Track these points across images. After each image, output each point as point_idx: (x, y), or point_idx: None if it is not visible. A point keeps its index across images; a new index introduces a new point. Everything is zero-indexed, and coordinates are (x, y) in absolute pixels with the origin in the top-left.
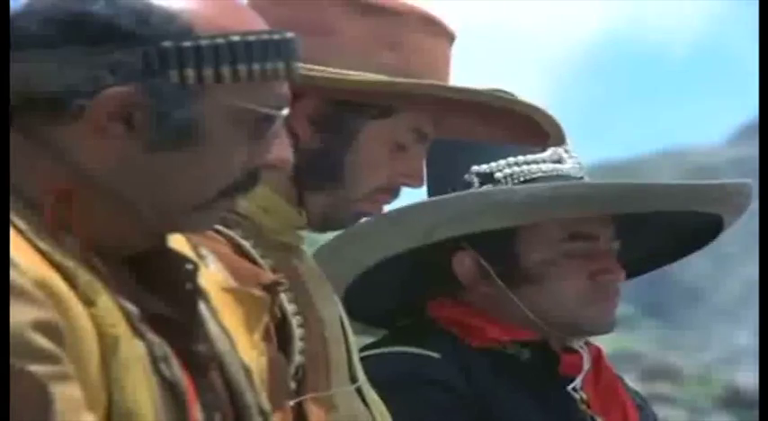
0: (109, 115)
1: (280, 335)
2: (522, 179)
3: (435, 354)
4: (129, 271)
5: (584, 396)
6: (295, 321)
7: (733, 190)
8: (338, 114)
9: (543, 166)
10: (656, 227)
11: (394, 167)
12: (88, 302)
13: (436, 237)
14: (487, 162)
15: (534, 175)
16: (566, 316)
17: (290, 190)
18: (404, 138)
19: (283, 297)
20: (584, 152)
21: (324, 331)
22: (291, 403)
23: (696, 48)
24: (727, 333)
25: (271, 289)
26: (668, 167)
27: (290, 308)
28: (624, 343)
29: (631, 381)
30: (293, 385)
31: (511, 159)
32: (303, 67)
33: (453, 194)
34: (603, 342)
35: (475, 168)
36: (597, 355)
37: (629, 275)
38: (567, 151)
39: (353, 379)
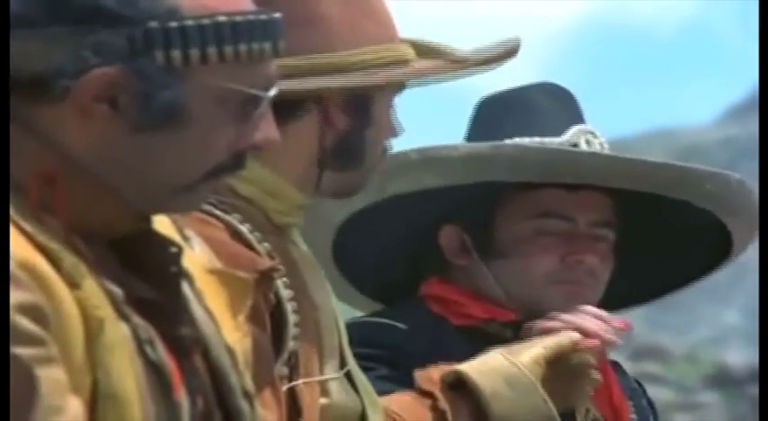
0: (93, 96)
1: (274, 321)
2: None
3: (402, 326)
4: (114, 254)
5: None
6: (290, 307)
7: (692, 173)
8: (363, 97)
9: None
10: (673, 245)
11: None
12: (73, 285)
13: (388, 192)
14: (497, 140)
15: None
16: (529, 293)
17: (310, 172)
18: (393, 97)
19: (279, 283)
20: None
21: (318, 317)
22: (284, 388)
23: (683, 28)
24: (714, 313)
25: (267, 274)
26: (657, 147)
27: (285, 293)
28: None
29: (621, 361)
30: (286, 371)
31: (517, 139)
32: (321, 58)
33: (402, 149)
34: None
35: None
36: None
37: (643, 300)
38: (589, 142)
39: (343, 364)
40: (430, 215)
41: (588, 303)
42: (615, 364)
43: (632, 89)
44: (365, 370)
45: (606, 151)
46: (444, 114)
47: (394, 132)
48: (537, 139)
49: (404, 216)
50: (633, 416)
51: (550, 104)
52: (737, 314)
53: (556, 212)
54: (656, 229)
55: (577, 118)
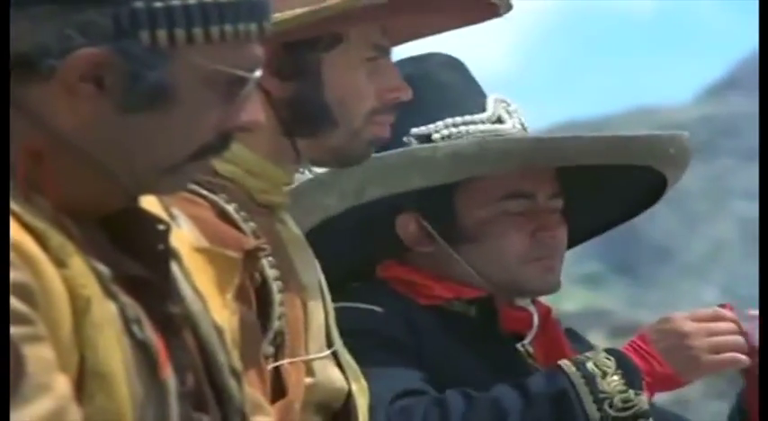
0: (79, 76)
1: (259, 300)
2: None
3: (379, 309)
4: (102, 232)
5: (531, 350)
6: (276, 286)
7: (659, 141)
8: (293, 58)
9: (482, 127)
10: (603, 187)
11: (376, 87)
12: (60, 264)
13: (367, 196)
14: (426, 124)
15: (473, 136)
16: (506, 275)
17: (282, 144)
18: (368, 56)
19: (265, 262)
20: (553, 110)
21: (304, 297)
22: (269, 367)
23: (662, 8)
24: (694, 290)
25: (252, 254)
26: (636, 125)
27: (271, 273)
28: (593, 300)
29: (600, 339)
30: (271, 350)
31: (449, 120)
32: None
33: (381, 153)
34: (573, 299)
35: (414, 130)
36: (546, 313)
37: (581, 239)
38: (509, 111)
39: (330, 343)
40: (383, 205)
41: (558, 272)
42: (568, 331)
43: (612, 68)
44: (363, 363)
45: (521, 116)
46: None
47: (388, 95)
48: (468, 117)
49: (358, 210)
50: None
51: (455, 78)
52: (716, 291)
53: (518, 192)
54: (592, 182)
55: (479, 87)
